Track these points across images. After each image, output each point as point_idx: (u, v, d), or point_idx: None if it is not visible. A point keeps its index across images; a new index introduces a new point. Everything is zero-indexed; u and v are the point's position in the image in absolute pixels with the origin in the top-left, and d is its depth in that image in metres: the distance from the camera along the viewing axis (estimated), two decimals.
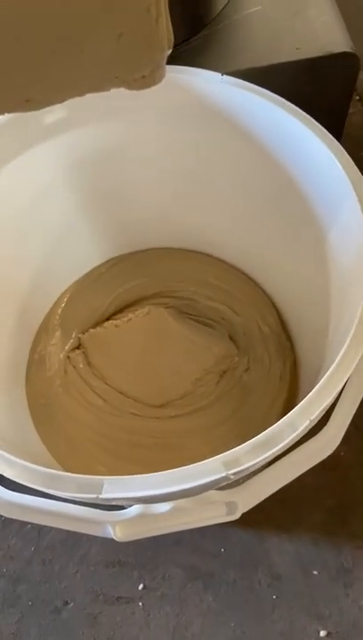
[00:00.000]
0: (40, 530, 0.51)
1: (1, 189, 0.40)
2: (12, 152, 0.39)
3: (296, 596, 0.48)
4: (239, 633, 0.46)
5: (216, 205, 0.46)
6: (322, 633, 0.46)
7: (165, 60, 0.22)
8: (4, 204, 0.41)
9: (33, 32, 0.18)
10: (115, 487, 0.28)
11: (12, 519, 0.50)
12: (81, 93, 0.22)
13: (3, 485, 0.35)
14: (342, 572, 0.48)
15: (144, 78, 0.21)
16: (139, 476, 0.28)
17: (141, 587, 0.49)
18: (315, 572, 0.48)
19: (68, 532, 0.50)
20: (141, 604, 0.48)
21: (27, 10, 0.17)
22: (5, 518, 0.51)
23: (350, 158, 0.34)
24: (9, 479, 0.31)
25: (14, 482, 0.31)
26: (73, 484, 0.28)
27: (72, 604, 0.48)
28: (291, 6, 0.44)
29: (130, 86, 0.22)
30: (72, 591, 0.49)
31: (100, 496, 0.28)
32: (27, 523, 0.51)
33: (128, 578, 0.49)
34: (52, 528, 0.51)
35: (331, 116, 0.46)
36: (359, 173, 0.34)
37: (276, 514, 0.50)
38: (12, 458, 0.29)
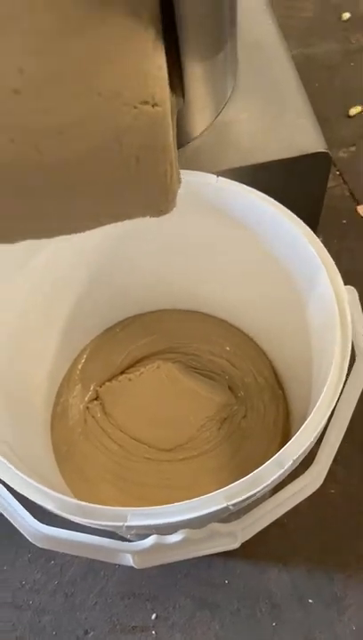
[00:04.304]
0: (62, 566, 0.57)
1: (31, 281, 0.48)
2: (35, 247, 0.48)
3: (294, 623, 0.53)
4: None
5: (217, 278, 0.54)
6: None
7: (176, 197, 0.29)
8: (34, 292, 0.49)
9: (80, 210, 0.26)
10: (137, 517, 0.34)
11: (37, 556, 0.56)
12: (103, 225, 0.29)
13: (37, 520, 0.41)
14: (335, 599, 0.53)
15: (160, 211, 0.29)
16: (156, 507, 0.34)
17: (153, 616, 0.54)
18: (310, 601, 0.53)
19: (87, 567, 0.56)
20: (153, 632, 0.53)
21: (76, 176, 0.25)
22: (32, 555, 0.57)
23: (320, 243, 0.42)
24: (41, 515, 0.38)
25: (46, 518, 0.37)
26: (104, 514, 0.35)
27: (92, 633, 0.53)
28: (272, 111, 0.53)
29: (145, 216, 0.30)
30: (92, 621, 0.54)
31: (126, 524, 0.34)
32: (51, 559, 0.57)
33: (142, 608, 0.54)
34: (73, 564, 0.56)
35: (310, 202, 0.55)
36: (328, 254, 0.42)
37: (275, 547, 0.56)
38: (54, 493, 0.35)
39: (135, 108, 0.23)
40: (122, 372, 0.60)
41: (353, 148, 0.81)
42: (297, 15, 0.97)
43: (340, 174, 0.78)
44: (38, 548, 0.38)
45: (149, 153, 0.24)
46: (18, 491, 0.37)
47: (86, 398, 0.58)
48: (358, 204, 0.76)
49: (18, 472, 0.37)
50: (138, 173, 0.25)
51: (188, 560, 0.41)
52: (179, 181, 0.30)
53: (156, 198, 0.28)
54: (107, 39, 0.22)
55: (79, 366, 0.60)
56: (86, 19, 0.21)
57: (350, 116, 0.84)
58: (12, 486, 0.37)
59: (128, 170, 0.25)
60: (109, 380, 0.59)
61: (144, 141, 0.24)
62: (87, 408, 0.58)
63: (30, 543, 0.38)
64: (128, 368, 0.61)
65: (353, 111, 0.84)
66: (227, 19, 0.46)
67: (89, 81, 0.22)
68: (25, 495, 0.37)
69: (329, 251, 0.42)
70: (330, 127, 0.83)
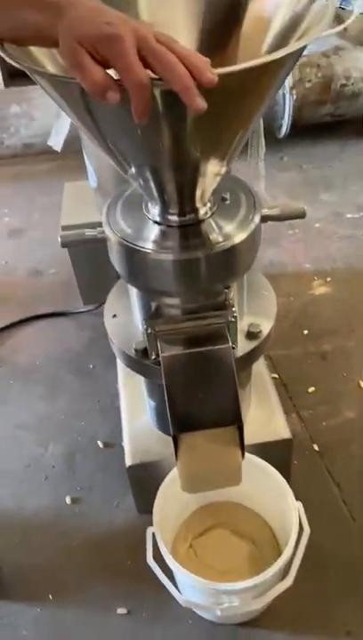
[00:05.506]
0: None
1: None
2: None
3: None
4: None
5: (247, 489, 1.26)
6: None
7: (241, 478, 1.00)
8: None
9: None
10: (218, 587, 1.02)
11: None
12: None
13: (178, 590, 1.07)
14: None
15: (235, 485, 1.00)
16: (224, 584, 1.02)
17: None
18: None
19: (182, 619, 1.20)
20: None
21: None
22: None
23: (288, 486, 1.14)
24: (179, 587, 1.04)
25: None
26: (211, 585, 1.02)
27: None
28: (260, 413, 1.28)
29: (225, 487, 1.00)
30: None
31: (212, 587, 1.01)
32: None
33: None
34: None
35: (284, 459, 1.28)
36: (290, 490, 1.14)
37: (275, 619, 1.19)
38: (197, 577, 1.03)
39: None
40: (202, 534, 1.29)
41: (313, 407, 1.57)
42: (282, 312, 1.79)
43: (304, 426, 1.53)
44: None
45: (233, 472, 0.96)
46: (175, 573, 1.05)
47: (186, 545, 1.27)
48: (313, 442, 1.49)
49: (176, 563, 1.05)
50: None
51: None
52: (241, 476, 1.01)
53: (234, 482, 0.99)
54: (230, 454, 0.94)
55: (182, 533, 1.29)
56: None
57: (309, 393, 1.61)
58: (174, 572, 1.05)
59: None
60: (197, 537, 1.28)
61: (229, 473, 0.96)
62: (187, 551, 1.26)
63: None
64: (205, 531, 1.30)
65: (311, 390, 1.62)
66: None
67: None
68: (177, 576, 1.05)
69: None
70: (297, 396, 1.60)
